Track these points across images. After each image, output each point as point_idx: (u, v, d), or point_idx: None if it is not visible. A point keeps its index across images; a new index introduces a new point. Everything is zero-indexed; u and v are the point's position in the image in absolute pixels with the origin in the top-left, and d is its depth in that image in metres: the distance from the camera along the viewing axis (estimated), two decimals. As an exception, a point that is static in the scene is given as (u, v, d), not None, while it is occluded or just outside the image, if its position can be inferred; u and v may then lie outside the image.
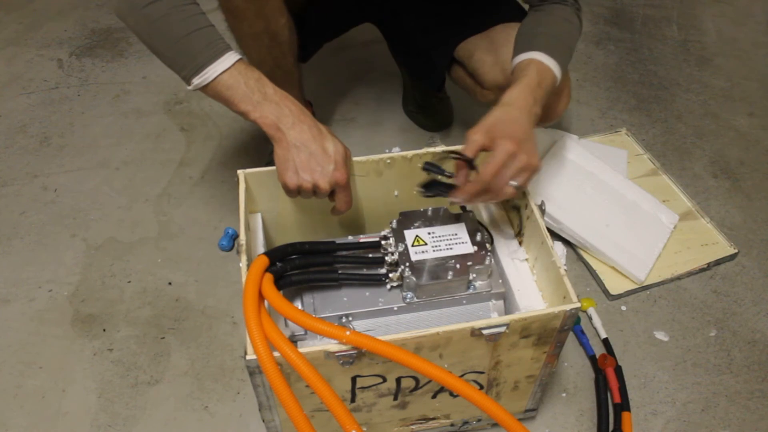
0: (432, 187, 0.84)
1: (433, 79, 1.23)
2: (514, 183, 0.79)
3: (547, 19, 0.97)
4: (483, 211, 0.97)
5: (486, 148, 0.80)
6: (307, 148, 0.83)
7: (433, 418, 0.89)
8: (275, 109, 0.82)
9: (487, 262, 0.83)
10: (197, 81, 0.81)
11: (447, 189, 0.83)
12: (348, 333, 0.69)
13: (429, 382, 0.80)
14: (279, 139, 0.83)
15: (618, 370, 1.02)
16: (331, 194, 0.87)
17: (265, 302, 0.74)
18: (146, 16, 0.81)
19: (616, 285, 1.15)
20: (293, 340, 0.82)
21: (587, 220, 1.18)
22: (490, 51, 1.07)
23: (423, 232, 0.86)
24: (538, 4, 0.99)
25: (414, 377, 0.79)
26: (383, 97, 1.54)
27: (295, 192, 0.85)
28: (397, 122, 1.48)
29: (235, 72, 0.81)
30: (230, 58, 0.81)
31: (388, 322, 0.84)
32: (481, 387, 0.85)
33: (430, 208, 0.88)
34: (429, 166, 0.83)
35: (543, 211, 0.86)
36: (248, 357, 0.69)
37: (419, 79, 1.39)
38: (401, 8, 1.18)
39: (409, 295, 0.83)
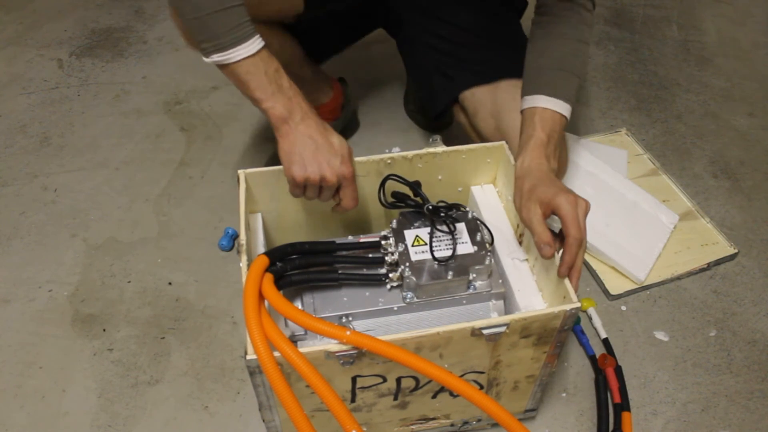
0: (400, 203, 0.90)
1: (432, 108, 1.23)
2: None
3: (552, 42, 0.96)
4: (483, 212, 0.97)
5: (546, 215, 0.81)
6: (315, 142, 0.83)
7: (433, 418, 0.89)
8: (287, 103, 0.83)
9: (487, 262, 0.83)
10: (218, 59, 0.81)
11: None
12: (348, 333, 0.69)
13: (429, 382, 0.80)
14: (285, 132, 0.83)
15: (618, 370, 1.02)
16: (336, 192, 0.87)
17: (265, 302, 0.74)
18: None
19: (616, 285, 1.15)
20: (293, 340, 0.82)
21: (587, 220, 1.18)
22: (493, 115, 1.08)
23: (423, 232, 0.86)
24: (546, 8, 0.98)
25: (414, 377, 0.79)
26: (383, 97, 1.54)
27: (301, 187, 0.85)
28: (397, 122, 1.48)
29: (258, 59, 0.82)
30: (256, 44, 0.82)
31: (389, 322, 0.84)
32: (481, 387, 0.85)
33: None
34: (397, 197, 0.90)
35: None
36: (248, 357, 0.69)
37: (423, 105, 1.39)
38: (416, 35, 1.18)
39: (409, 295, 0.83)
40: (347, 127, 1.43)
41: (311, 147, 0.83)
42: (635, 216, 1.21)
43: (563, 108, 0.91)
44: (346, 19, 1.23)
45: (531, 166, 0.86)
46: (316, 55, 1.23)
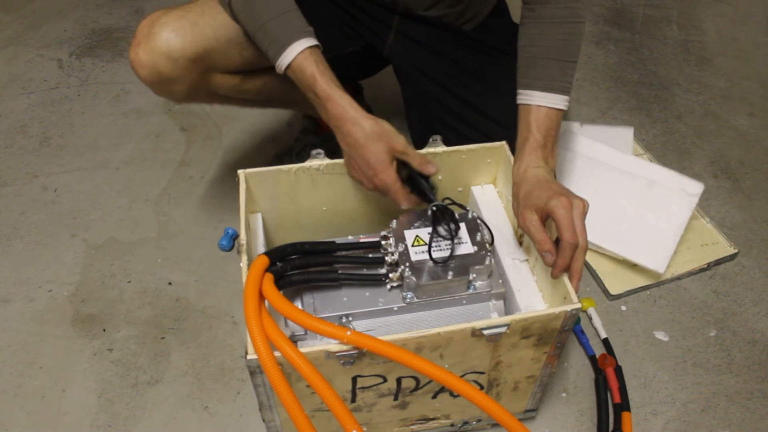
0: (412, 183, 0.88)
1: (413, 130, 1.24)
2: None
3: (543, 27, 0.92)
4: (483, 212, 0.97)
5: (543, 220, 0.80)
6: (349, 154, 0.86)
7: (434, 419, 0.89)
8: (323, 112, 0.85)
9: (487, 262, 0.83)
10: (278, 71, 0.86)
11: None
12: (349, 333, 0.69)
13: (429, 382, 0.80)
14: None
15: (618, 370, 1.02)
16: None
17: (266, 302, 0.74)
18: (235, 5, 0.89)
19: (616, 285, 1.15)
20: (293, 340, 0.82)
21: (596, 222, 1.15)
22: None
23: (423, 232, 0.86)
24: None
25: (414, 377, 0.79)
26: (383, 98, 1.53)
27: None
28: (397, 122, 1.48)
29: (294, 70, 0.85)
30: (288, 57, 0.84)
31: (389, 322, 0.84)
32: (482, 387, 0.85)
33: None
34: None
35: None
36: (249, 357, 0.69)
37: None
38: (416, 93, 1.17)
39: (409, 295, 0.83)
40: None
41: (347, 157, 0.87)
42: (652, 197, 1.17)
43: (559, 101, 0.89)
44: (353, 62, 1.21)
45: (527, 171, 0.85)
46: None
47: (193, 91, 1.00)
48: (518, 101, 0.91)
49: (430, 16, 1.08)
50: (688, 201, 1.17)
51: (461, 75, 1.10)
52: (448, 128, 1.11)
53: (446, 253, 0.82)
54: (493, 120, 1.07)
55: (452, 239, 0.84)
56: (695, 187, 1.18)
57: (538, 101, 0.89)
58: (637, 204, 1.18)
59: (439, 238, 0.84)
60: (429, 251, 0.83)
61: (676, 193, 1.17)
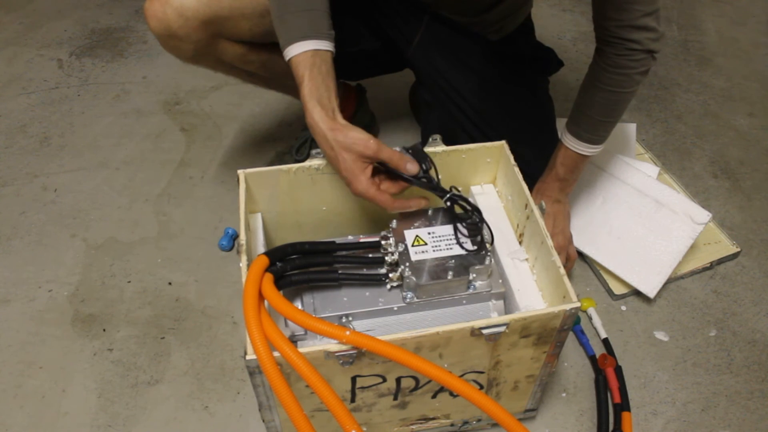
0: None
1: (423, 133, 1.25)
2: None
3: (593, 85, 1.00)
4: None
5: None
6: (330, 161, 0.85)
7: (433, 418, 0.89)
8: (306, 116, 0.83)
9: (487, 262, 0.83)
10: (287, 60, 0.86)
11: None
12: (348, 333, 0.69)
13: (429, 382, 0.80)
14: None
15: (618, 370, 1.02)
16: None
17: (265, 302, 0.74)
18: None
19: (619, 285, 1.14)
20: (293, 340, 0.82)
21: (595, 235, 1.17)
22: None
23: (423, 232, 0.86)
24: (603, 45, 0.97)
25: (414, 377, 0.79)
26: (384, 97, 1.54)
27: None
28: (397, 122, 1.49)
29: (291, 66, 0.84)
30: (289, 53, 0.84)
31: (388, 322, 0.84)
32: (481, 387, 0.85)
33: (430, 209, 0.89)
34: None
35: (543, 211, 0.86)
36: (248, 357, 0.69)
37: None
38: (434, 95, 1.17)
39: (409, 295, 0.83)
40: None
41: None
42: (657, 219, 1.16)
43: (584, 148, 1.03)
44: (367, 60, 1.21)
45: (543, 195, 1.07)
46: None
47: (200, 52, 1.02)
48: (561, 134, 1.06)
49: (458, 21, 1.09)
50: (692, 228, 1.15)
51: (480, 84, 1.11)
52: (467, 135, 1.12)
53: (448, 253, 0.83)
54: (501, 135, 1.08)
55: (480, 224, 0.84)
56: (702, 216, 1.15)
57: (568, 143, 1.03)
58: (640, 223, 1.17)
59: (440, 239, 0.84)
60: (459, 243, 0.84)
61: (682, 219, 1.16)
